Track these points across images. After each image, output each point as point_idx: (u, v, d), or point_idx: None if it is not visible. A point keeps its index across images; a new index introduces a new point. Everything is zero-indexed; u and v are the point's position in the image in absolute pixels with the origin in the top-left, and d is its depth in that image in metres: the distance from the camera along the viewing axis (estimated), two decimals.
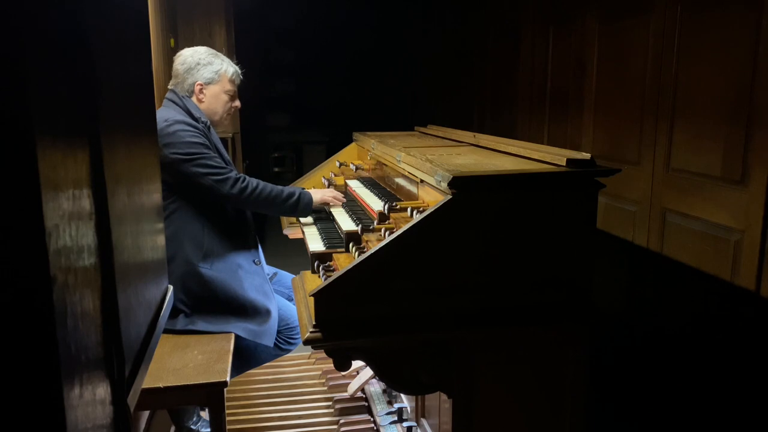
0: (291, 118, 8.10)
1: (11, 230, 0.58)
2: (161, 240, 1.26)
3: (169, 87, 2.31)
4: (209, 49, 2.33)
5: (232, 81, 2.32)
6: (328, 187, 2.61)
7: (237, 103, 2.40)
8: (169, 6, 3.63)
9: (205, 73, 2.26)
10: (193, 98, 2.27)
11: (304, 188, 2.40)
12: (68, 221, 0.67)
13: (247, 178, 2.19)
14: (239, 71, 2.36)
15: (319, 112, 7.91)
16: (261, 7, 6.24)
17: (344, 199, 2.41)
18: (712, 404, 2.21)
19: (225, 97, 2.32)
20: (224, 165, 2.16)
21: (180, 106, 2.21)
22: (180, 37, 3.90)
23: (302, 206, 2.29)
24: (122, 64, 0.99)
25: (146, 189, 1.13)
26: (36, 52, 0.62)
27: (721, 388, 2.16)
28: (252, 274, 2.23)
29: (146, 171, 1.14)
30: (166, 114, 2.17)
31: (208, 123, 2.24)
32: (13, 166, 0.57)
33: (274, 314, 2.21)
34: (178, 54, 2.33)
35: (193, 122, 2.16)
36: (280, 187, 2.28)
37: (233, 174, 2.15)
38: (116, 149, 0.90)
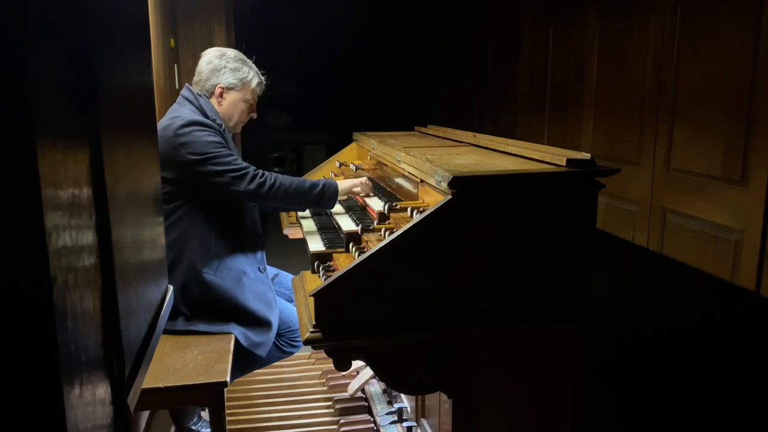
0: (291, 118, 8.10)
1: (11, 230, 0.58)
2: (161, 240, 1.26)
3: (186, 85, 2.25)
4: (239, 53, 2.27)
5: (254, 91, 2.27)
6: None
7: (254, 114, 2.34)
8: (169, 6, 3.63)
9: (229, 78, 2.20)
10: (212, 99, 2.22)
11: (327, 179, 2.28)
12: (68, 221, 0.67)
13: (266, 173, 2.11)
14: (264, 82, 2.31)
15: (319, 112, 7.91)
16: (261, 7, 6.24)
17: (372, 188, 2.31)
18: (712, 404, 2.21)
19: (243, 106, 2.26)
20: (241, 162, 2.10)
21: (195, 106, 2.16)
22: (180, 37, 3.90)
23: (327, 197, 2.19)
24: (122, 64, 0.99)
25: (146, 189, 1.13)
26: (36, 53, 0.62)
27: (721, 388, 2.16)
28: (256, 282, 2.19)
29: (146, 171, 1.14)
30: (180, 112, 2.11)
31: (223, 126, 2.18)
32: (13, 166, 0.57)
33: (275, 325, 2.18)
34: (205, 52, 2.28)
35: (209, 122, 2.11)
36: (300, 180, 2.20)
37: (251, 170, 2.08)
38: (116, 149, 0.90)
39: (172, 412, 2.34)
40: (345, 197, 2.35)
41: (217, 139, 2.09)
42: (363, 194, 2.30)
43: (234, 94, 2.24)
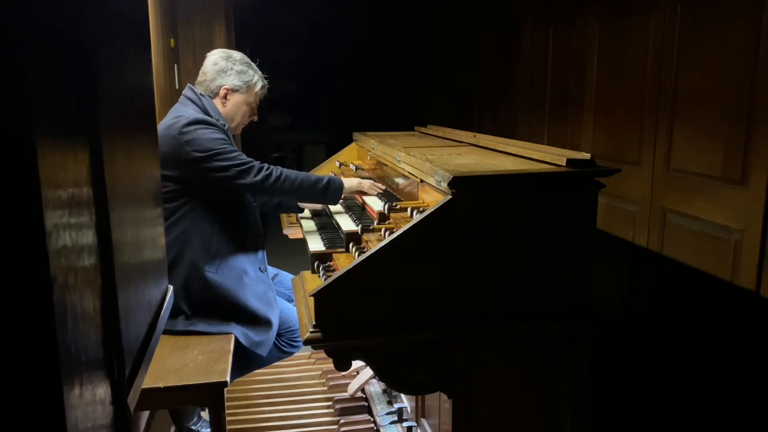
0: (291, 118, 8.10)
1: (11, 230, 0.58)
2: (161, 240, 1.26)
3: (189, 85, 2.27)
4: (244, 56, 2.30)
5: (257, 94, 2.30)
6: None
7: (255, 117, 2.37)
8: (169, 6, 3.63)
9: (235, 80, 2.23)
10: (216, 100, 2.24)
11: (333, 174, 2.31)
12: (68, 221, 0.67)
13: (271, 166, 2.12)
14: (266, 86, 2.34)
15: (319, 112, 7.91)
16: (261, 7, 6.24)
17: (383, 188, 2.30)
18: (712, 404, 2.21)
19: (245, 108, 2.29)
20: (246, 157, 2.11)
21: (198, 105, 2.17)
22: (180, 37, 3.90)
23: (332, 193, 2.21)
24: (122, 64, 0.99)
25: (146, 189, 1.13)
26: (36, 53, 0.62)
27: (721, 388, 2.16)
28: (257, 281, 2.20)
29: (146, 171, 1.14)
30: (184, 112, 2.13)
31: (226, 126, 2.19)
32: (13, 166, 0.57)
33: (275, 325, 2.19)
34: (210, 53, 2.30)
35: (213, 120, 2.12)
36: (305, 174, 2.21)
37: (256, 163, 2.10)
38: (116, 149, 0.90)
39: (172, 412, 2.34)
40: (343, 198, 2.34)
41: (222, 136, 2.10)
42: (373, 193, 2.28)
43: (238, 96, 2.26)
